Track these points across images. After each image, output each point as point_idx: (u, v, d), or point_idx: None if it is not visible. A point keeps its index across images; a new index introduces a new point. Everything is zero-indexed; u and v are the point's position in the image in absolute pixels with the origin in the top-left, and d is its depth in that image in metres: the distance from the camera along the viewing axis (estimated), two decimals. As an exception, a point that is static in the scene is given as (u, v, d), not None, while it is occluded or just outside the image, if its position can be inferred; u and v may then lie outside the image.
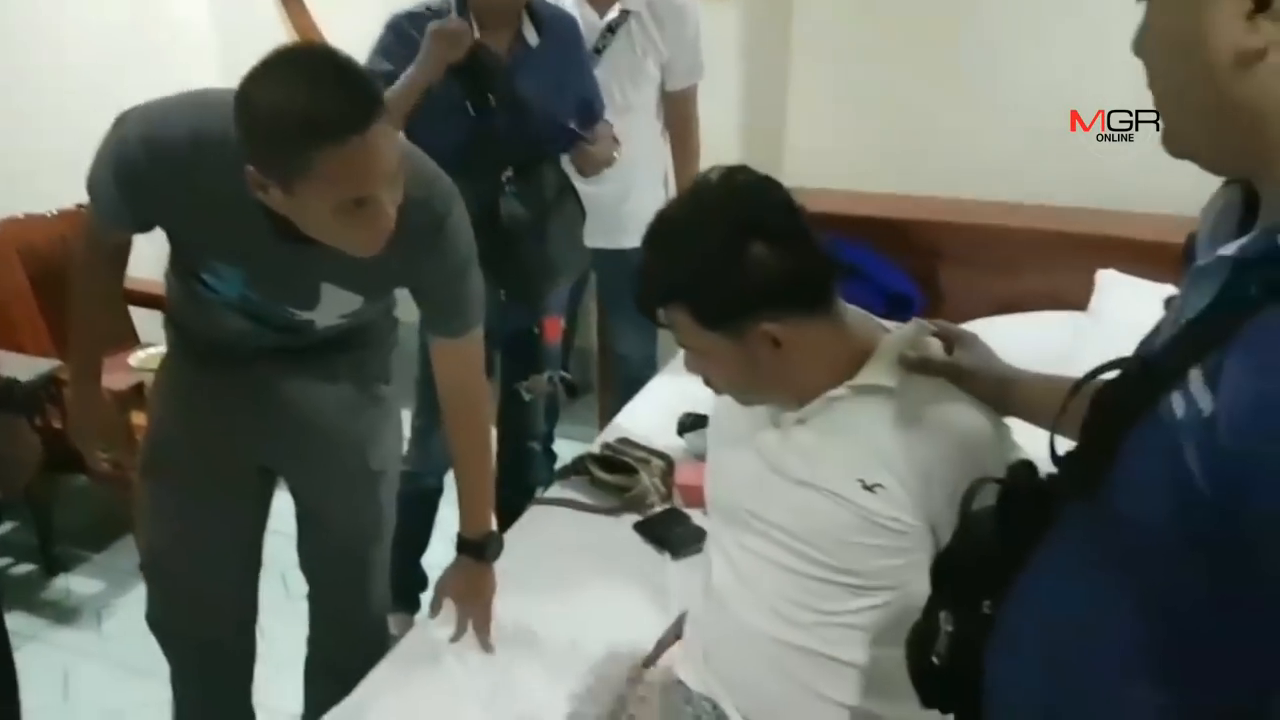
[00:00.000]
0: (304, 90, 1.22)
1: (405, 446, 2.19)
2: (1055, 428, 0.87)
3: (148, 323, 2.96)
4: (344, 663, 1.83)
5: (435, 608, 1.77)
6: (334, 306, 1.61)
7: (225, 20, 3.91)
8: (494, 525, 1.83)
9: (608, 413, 3.07)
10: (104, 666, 2.63)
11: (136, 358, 3.02)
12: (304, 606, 1.99)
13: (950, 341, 1.37)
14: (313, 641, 2.01)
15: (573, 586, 1.91)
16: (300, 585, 1.97)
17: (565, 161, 2.40)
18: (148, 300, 2.62)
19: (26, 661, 1.74)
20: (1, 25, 3.20)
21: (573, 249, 2.46)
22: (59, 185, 2.62)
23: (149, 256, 1.78)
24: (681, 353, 1.42)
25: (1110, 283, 2.68)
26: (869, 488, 1.28)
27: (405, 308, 1.73)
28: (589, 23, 2.64)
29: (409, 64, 2.11)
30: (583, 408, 3.66)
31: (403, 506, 1.99)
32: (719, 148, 2.97)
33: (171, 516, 1.79)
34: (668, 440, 2.39)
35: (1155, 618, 0.74)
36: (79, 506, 3.22)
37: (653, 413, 2.58)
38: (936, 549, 1.24)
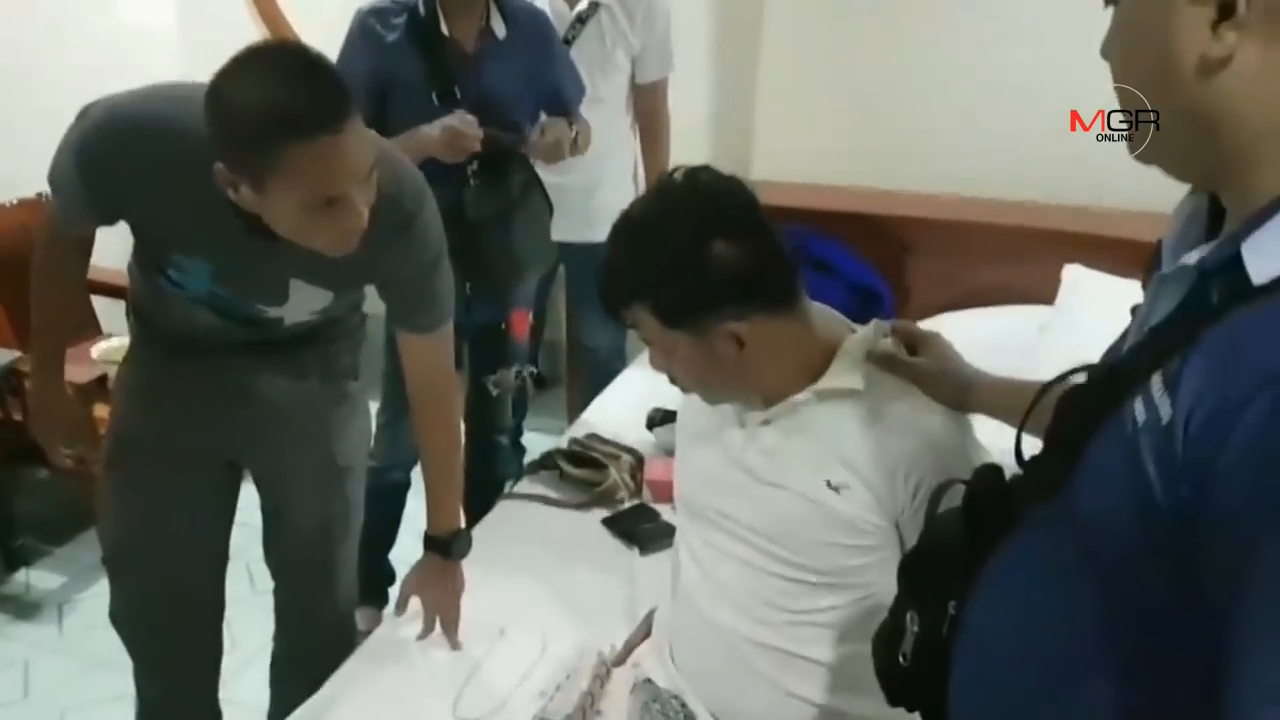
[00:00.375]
0: (275, 87, 1.21)
1: (372, 441, 2.17)
2: (1021, 429, 0.88)
3: (110, 311, 2.92)
4: (311, 658, 1.81)
5: (401, 606, 1.77)
6: (303, 303, 1.60)
7: (191, 20, 3.83)
8: (463, 521, 1.82)
9: (576, 405, 3.06)
10: (65, 661, 2.60)
11: (99, 349, 2.97)
12: (270, 600, 1.97)
13: (913, 343, 1.38)
14: (279, 637, 1.99)
15: (541, 581, 1.91)
16: (266, 578, 1.95)
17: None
18: (110, 290, 2.59)
19: (-14, 657, 1.72)
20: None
21: (539, 243, 2.45)
22: (18, 173, 2.56)
23: (112, 246, 1.75)
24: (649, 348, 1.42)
25: (1077, 278, 2.69)
26: (835, 488, 1.28)
27: (371, 300, 1.72)
28: (559, 14, 2.63)
29: (377, 60, 2.09)
30: (552, 400, 3.66)
31: (370, 501, 1.97)
32: (689, 141, 2.98)
33: (136, 511, 1.77)
34: (637, 434, 2.38)
35: (1119, 618, 0.74)
36: (40, 500, 3.16)
37: (622, 407, 2.57)
38: (903, 549, 1.25)
